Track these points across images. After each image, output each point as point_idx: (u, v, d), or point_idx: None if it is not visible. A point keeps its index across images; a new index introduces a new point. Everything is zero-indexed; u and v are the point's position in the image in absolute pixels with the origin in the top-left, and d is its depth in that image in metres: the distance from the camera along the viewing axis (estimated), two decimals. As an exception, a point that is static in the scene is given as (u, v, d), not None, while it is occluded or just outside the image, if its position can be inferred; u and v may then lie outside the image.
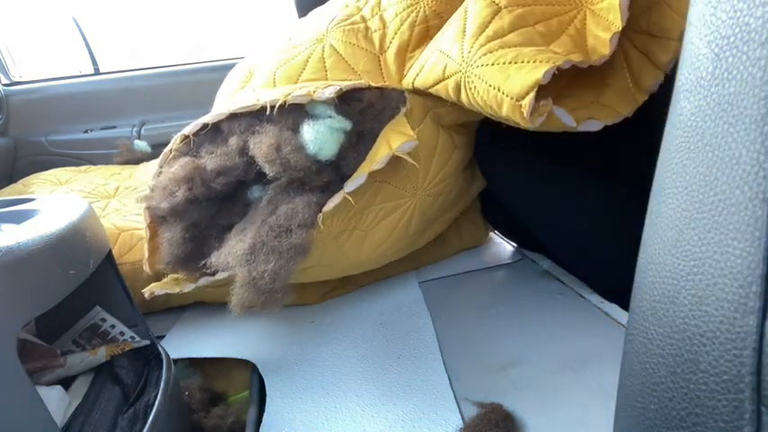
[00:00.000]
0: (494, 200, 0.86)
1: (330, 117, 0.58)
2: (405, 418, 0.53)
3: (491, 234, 0.98)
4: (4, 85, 1.57)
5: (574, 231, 0.71)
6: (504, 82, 0.49)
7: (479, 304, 0.75)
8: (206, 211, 0.63)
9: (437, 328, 0.68)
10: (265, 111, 0.59)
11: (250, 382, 0.65)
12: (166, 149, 0.67)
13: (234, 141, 0.61)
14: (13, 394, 0.32)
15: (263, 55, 0.78)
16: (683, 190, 0.19)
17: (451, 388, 0.56)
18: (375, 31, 0.71)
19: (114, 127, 1.59)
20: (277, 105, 0.58)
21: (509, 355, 0.60)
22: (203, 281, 0.66)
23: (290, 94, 0.58)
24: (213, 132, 0.64)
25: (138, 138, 1.56)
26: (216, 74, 1.25)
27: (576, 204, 0.69)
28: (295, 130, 0.58)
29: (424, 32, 0.68)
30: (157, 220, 0.67)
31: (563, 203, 0.70)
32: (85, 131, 1.59)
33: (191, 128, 0.64)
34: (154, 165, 1.37)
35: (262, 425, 0.55)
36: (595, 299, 0.70)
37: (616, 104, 0.56)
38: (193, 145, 0.64)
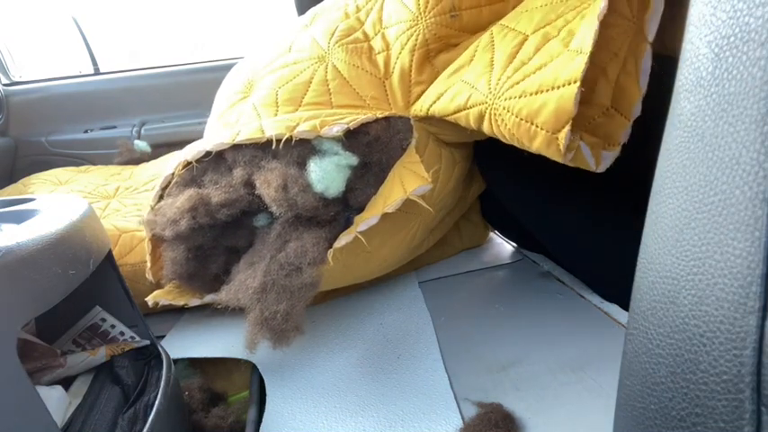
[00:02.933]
0: (494, 200, 0.86)
1: (337, 154, 0.58)
2: (405, 418, 0.53)
3: (491, 234, 0.98)
4: (4, 85, 1.57)
5: (574, 235, 0.71)
6: (537, 115, 0.47)
7: (479, 304, 0.75)
8: (209, 235, 0.63)
9: (437, 328, 0.68)
10: (270, 143, 0.58)
11: (250, 382, 0.65)
12: (168, 173, 0.66)
13: (239, 173, 0.60)
14: (13, 394, 0.32)
15: (263, 62, 0.76)
16: (683, 190, 0.19)
17: (451, 388, 0.56)
18: (379, 52, 0.69)
19: (114, 127, 1.59)
20: (283, 140, 0.58)
21: (509, 355, 0.60)
22: (209, 298, 0.66)
23: (295, 127, 0.58)
24: (217, 160, 0.63)
25: (138, 138, 1.56)
26: (215, 74, 1.25)
27: (576, 208, 0.69)
28: (301, 164, 0.58)
29: (425, 56, 0.66)
30: (162, 239, 0.67)
31: (563, 207, 0.70)
32: (85, 131, 1.59)
33: (193, 154, 0.63)
34: (154, 165, 1.38)
35: (262, 425, 0.55)
36: (595, 299, 0.70)
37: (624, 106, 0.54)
38: (196, 172, 0.64)
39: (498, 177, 0.78)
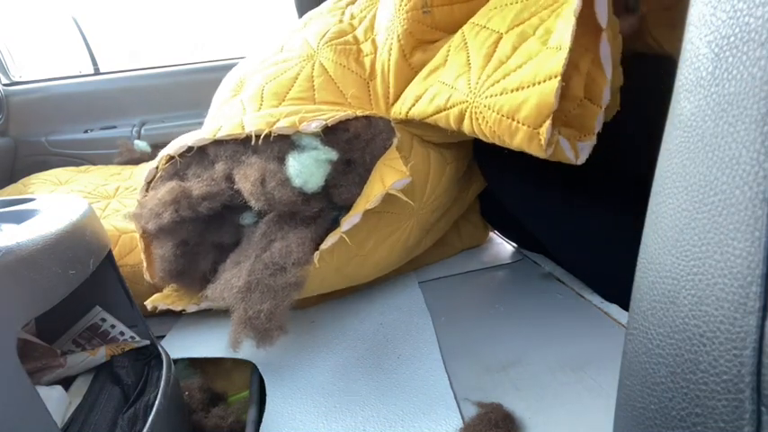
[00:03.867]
0: (493, 200, 0.86)
1: (316, 149, 0.58)
2: (405, 418, 0.53)
3: (491, 234, 0.98)
4: (4, 85, 1.56)
5: (575, 235, 0.71)
6: (518, 111, 0.48)
7: (479, 304, 0.75)
8: (193, 230, 0.64)
9: (437, 328, 0.68)
10: (251, 138, 0.59)
11: (250, 382, 0.65)
12: (152, 167, 0.66)
13: (220, 167, 0.61)
14: (13, 394, 0.32)
15: (255, 62, 0.77)
16: (683, 190, 0.19)
17: (451, 388, 0.56)
18: (367, 55, 0.70)
19: (114, 127, 1.59)
20: (262, 135, 0.58)
21: (509, 355, 0.60)
22: (206, 304, 0.67)
23: (275, 123, 0.58)
24: (200, 154, 0.64)
25: (138, 138, 1.56)
26: (215, 74, 1.25)
27: (576, 208, 0.69)
28: (281, 159, 0.59)
29: (401, 54, 0.66)
30: (148, 233, 0.67)
31: (563, 207, 0.70)
32: (85, 131, 1.59)
33: (176, 149, 0.64)
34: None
35: (262, 425, 0.55)
36: (596, 299, 0.70)
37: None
38: (180, 166, 0.64)
39: (498, 176, 0.78)
